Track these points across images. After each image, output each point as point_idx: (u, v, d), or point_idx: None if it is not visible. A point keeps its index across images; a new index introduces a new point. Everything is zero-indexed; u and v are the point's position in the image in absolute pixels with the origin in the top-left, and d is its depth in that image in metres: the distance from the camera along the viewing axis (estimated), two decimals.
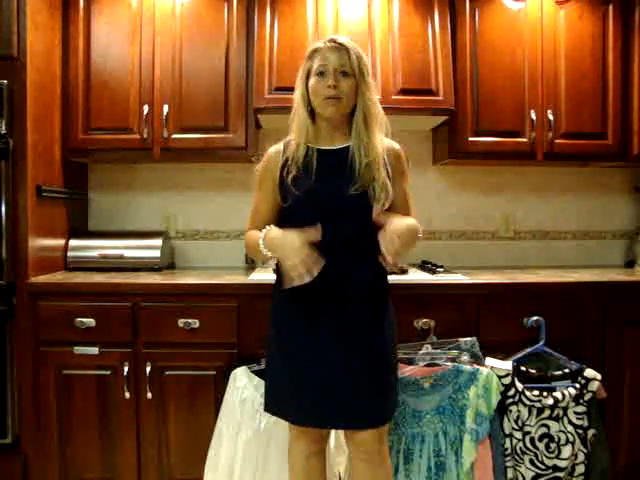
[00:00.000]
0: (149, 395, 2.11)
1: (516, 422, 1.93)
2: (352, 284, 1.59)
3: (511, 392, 1.93)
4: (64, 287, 2.17)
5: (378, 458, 1.63)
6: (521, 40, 2.49)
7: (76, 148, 2.46)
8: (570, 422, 1.95)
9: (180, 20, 2.44)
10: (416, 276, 2.32)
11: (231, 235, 2.76)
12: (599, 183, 2.87)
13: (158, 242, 2.56)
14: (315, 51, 1.61)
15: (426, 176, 2.82)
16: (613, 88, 2.52)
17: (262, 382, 1.87)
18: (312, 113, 1.64)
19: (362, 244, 1.60)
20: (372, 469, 1.63)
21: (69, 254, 2.50)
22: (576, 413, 1.95)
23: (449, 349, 2.01)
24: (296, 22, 2.40)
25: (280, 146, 1.68)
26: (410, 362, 1.99)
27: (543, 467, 1.93)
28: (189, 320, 2.11)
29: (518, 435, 1.93)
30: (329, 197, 1.57)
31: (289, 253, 1.47)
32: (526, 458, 1.93)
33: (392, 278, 2.14)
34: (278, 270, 1.65)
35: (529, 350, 2.06)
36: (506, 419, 1.93)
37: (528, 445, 1.94)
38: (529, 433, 1.94)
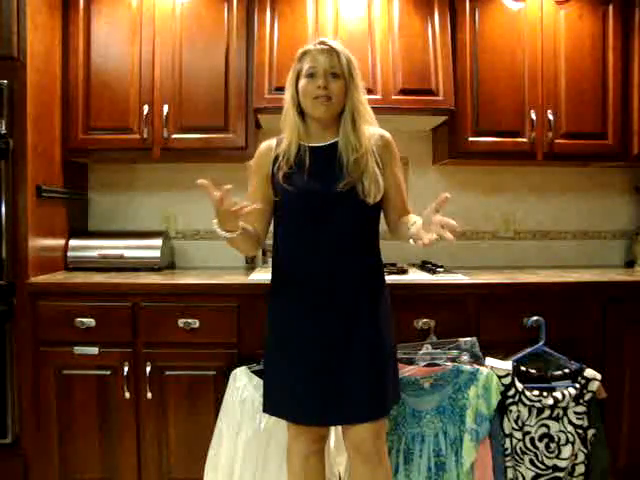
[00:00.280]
0: (149, 395, 2.11)
1: (516, 422, 1.93)
2: (346, 279, 1.61)
3: (511, 392, 1.93)
4: (64, 287, 2.17)
5: (377, 458, 1.63)
6: (521, 40, 2.49)
7: (76, 148, 2.46)
8: (570, 422, 1.95)
9: (180, 20, 2.44)
10: (416, 276, 2.32)
11: None
12: (599, 183, 2.87)
13: (158, 242, 2.56)
14: (305, 53, 1.63)
15: (426, 176, 2.82)
16: (613, 88, 2.52)
17: (262, 382, 1.86)
18: (302, 115, 1.66)
19: (354, 239, 1.62)
20: (371, 469, 1.62)
21: (69, 254, 2.50)
22: (576, 413, 1.95)
23: (449, 349, 2.02)
24: (296, 22, 2.40)
25: (273, 142, 1.71)
26: (410, 362, 1.99)
27: (543, 467, 1.93)
28: (189, 320, 2.11)
29: (518, 435, 1.93)
30: (318, 194, 1.59)
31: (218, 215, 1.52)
32: (526, 458, 1.94)
33: (392, 278, 2.15)
34: (275, 269, 1.71)
35: (529, 350, 2.06)
36: (506, 419, 1.93)
37: (528, 445, 1.94)
38: (529, 433, 1.94)
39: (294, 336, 1.63)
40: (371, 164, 1.61)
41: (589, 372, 1.97)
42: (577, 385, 1.97)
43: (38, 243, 2.24)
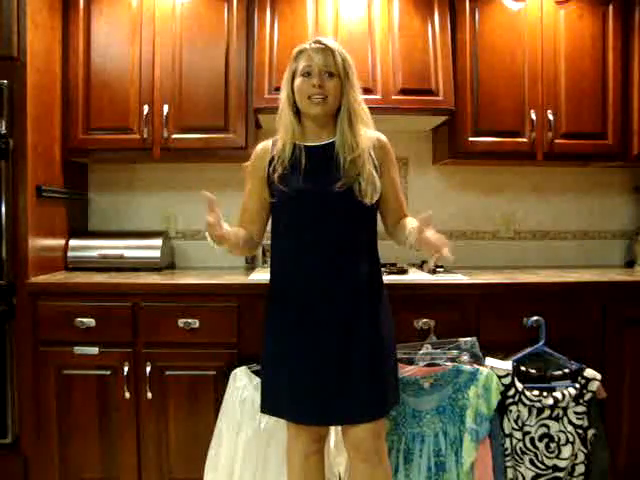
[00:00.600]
0: (149, 395, 2.11)
1: (516, 422, 1.93)
2: (344, 279, 1.61)
3: (511, 392, 1.93)
4: (64, 287, 2.17)
5: (376, 457, 1.63)
6: (521, 40, 2.49)
7: (76, 148, 2.46)
8: (570, 422, 1.95)
9: (180, 20, 2.44)
10: (416, 276, 2.32)
11: None
12: (599, 183, 2.87)
13: (158, 242, 2.56)
14: (300, 52, 1.63)
15: (426, 176, 2.82)
16: (613, 88, 2.52)
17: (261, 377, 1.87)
18: (298, 114, 1.65)
19: (351, 239, 1.62)
20: (371, 468, 1.62)
21: (69, 254, 2.50)
22: (576, 413, 1.95)
23: (449, 349, 2.01)
24: (296, 22, 2.40)
25: (268, 143, 1.71)
26: (410, 362, 1.99)
27: (543, 467, 1.93)
28: (189, 320, 2.11)
29: (518, 435, 1.93)
30: (315, 195, 1.60)
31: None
32: (526, 458, 1.94)
33: (392, 278, 2.16)
34: (273, 271, 1.72)
35: (529, 350, 2.06)
36: (506, 419, 1.93)
37: (528, 445, 1.94)
38: (529, 433, 1.94)
39: (293, 336, 1.62)
40: (368, 165, 1.61)
41: (589, 372, 1.97)
42: (577, 385, 1.97)
43: (38, 243, 2.24)
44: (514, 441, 1.93)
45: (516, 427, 1.93)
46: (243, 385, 1.97)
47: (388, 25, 2.41)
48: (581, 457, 1.95)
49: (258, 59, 2.37)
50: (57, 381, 2.13)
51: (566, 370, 2.00)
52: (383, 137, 1.71)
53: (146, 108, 2.41)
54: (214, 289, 2.16)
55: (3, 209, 2.10)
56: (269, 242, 1.74)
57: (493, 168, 2.83)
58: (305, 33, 2.37)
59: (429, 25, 2.42)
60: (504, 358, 2.02)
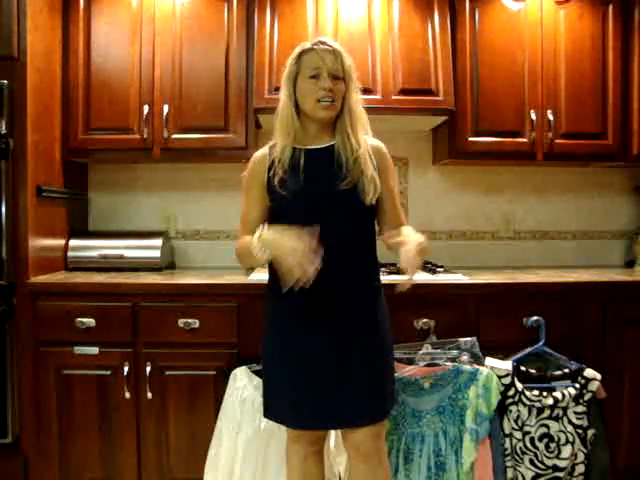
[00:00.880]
0: (149, 395, 2.11)
1: (516, 422, 1.93)
2: (344, 280, 1.60)
3: (511, 392, 1.93)
4: (64, 287, 2.17)
5: (376, 458, 1.63)
6: (521, 40, 2.49)
7: (76, 148, 2.46)
8: (570, 422, 1.95)
9: (180, 20, 2.44)
10: (416, 276, 2.31)
11: (231, 235, 2.76)
12: (599, 183, 2.87)
13: (158, 242, 2.56)
14: (304, 52, 1.61)
15: (426, 176, 2.82)
16: (613, 88, 2.52)
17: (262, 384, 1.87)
18: (297, 114, 1.63)
19: (355, 241, 1.62)
20: (371, 469, 1.62)
21: (69, 254, 2.50)
22: (576, 413, 1.95)
23: (449, 349, 2.01)
24: (296, 22, 2.40)
25: (265, 149, 1.68)
26: (410, 362, 1.99)
27: (543, 467, 1.93)
28: (189, 320, 2.11)
29: (518, 435, 1.93)
30: (319, 196, 1.58)
31: (286, 254, 1.41)
32: (526, 458, 1.94)
33: (392, 278, 2.15)
34: (272, 271, 1.63)
35: (529, 350, 2.06)
36: (506, 419, 1.93)
37: (528, 445, 1.94)
38: (529, 433, 1.94)
39: (293, 339, 1.62)
40: (369, 164, 1.61)
41: (589, 372, 1.97)
42: (577, 385, 1.97)
43: (38, 243, 2.24)
44: (514, 441, 1.93)
45: (516, 427, 1.93)
46: (243, 385, 1.97)
47: (388, 25, 2.41)
48: (581, 457, 1.95)
49: (258, 59, 2.37)
50: (57, 381, 2.13)
51: (566, 370, 2.00)
52: (382, 145, 1.71)
53: (146, 108, 2.41)
54: (214, 289, 2.16)
55: (3, 209, 2.10)
56: None
57: (493, 168, 2.83)
58: (305, 33, 2.37)
59: (429, 25, 2.42)
60: (504, 358, 2.02)
